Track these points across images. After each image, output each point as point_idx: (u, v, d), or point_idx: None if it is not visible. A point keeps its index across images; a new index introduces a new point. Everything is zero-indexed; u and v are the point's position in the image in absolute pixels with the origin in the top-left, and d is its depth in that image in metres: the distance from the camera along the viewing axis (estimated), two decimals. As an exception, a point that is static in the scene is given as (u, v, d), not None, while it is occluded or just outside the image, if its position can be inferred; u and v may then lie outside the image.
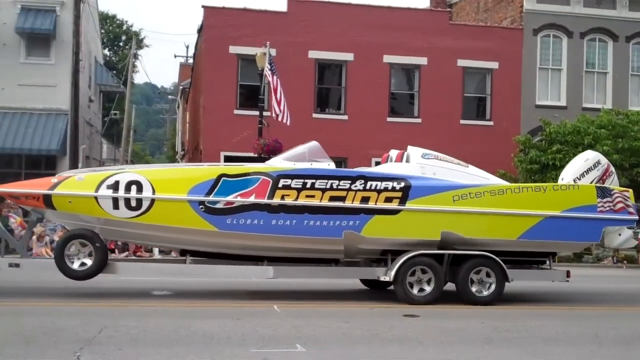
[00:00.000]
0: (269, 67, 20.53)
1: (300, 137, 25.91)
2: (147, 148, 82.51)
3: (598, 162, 13.81)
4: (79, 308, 11.25)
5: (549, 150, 25.01)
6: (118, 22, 61.90)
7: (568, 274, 13.77)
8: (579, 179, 13.59)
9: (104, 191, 11.92)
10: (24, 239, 13.54)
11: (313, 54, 28.07)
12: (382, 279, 12.76)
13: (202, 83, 28.85)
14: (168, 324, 9.98)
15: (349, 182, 12.29)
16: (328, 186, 12.21)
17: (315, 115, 28.03)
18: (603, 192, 13.13)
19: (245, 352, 8.42)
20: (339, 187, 12.24)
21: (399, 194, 12.40)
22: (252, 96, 26.28)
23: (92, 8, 34.97)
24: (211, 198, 11.98)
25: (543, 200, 12.93)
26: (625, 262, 24.67)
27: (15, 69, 27.37)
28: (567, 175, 13.88)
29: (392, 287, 12.90)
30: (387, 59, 28.62)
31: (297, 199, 12.12)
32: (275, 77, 19.64)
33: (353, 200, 12.25)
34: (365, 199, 12.30)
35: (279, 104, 19.24)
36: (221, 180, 12.08)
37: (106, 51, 56.15)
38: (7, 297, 12.14)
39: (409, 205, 12.43)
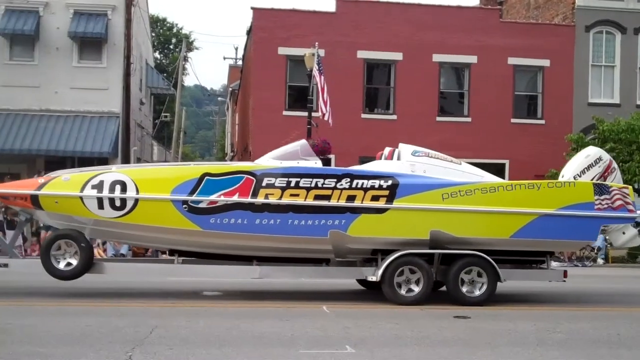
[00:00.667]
0: (316, 67, 20.54)
1: (350, 137, 26.06)
2: (197, 150, 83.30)
3: (599, 159, 13.40)
4: (130, 308, 11.39)
5: (603, 149, 24.52)
6: (168, 25, 62.56)
7: (565, 274, 13.38)
8: (580, 176, 13.20)
9: (89, 191, 11.91)
10: (12, 239, 13.59)
11: (362, 54, 28.01)
12: (369, 279, 12.56)
13: (251, 84, 29.00)
14: (218, 324, 10.05)
15: (335, 180, 12.08)
16: (313, 185, 12.03)
17: (364, 116, 27.97)
18: (601, 189, 12.72)
19: (294, 353, 8.43)
20: (324, 185, 12.06)
21: (386, 192, 12.16)
22: (300, 97, 26.34)
23: (143, 11, 35.41)
24: (194, 197, 11.90)
25: (537, 198, 12.59)
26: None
27: (68, 72, 27.83)
28: (568, 172, 13.52)
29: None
30: (437, 57, 28.42)
31: (281, 197, 11.96)
32: (322, 77, 19.63)
33: (339, 199, 12.06)
34: (351, 198, 12.08)
35: (325, 103, 19.22)
36: (205, 179, 11.98)
37: (157, 54, 56.82)
38: (63, 298, 12.35)
39: (396, 203, 12.18)
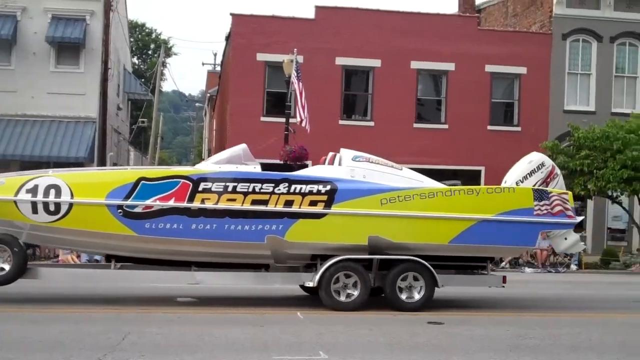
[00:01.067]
0: (295, 73, 20.59)
1: (327, 143, 25.91)
2: (174, 155, 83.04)
3: (542, 164, 13.41)
4: (103, 314, 11.33)
5: (577, 156, 24.76)
6: (147, 30, 62.41)
7: (504, 279, 13.31)
8: (522, 182, 13.17)
9: (23, 195, 11.75)
10: None
11: (340, 61, 28.07)
12: (307, 284, 12.51)
13: (229, 90, 28.98)
14: (191, 330, 10.03)
15: (273, 185, 11.97)
16: (250, 189, 11.91)
17: (341, 122, 28.02)
18: (541, 195, 12.70)
19: (267, 359, 8.43)
20: (262, 190, 11.94)
21: (325, 197, 12.08)
22: (279, 103, 26.35)
23: (122, 17, 35.28)
24: (129, 202, 11.76)
25: (477, 204, 12.52)
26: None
27: (45, 77, 27.65)
28: (511, 177, 13.49)
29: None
30: (415, 64, 28.55)
31: (217, 202, 11.83)
32: (300, 83, 19.68)
33: (276, 204, 11.94)
34: (289, 203, 11.98)
35: (303, 109, 19.27)
36: (140, 183, 11.82)
37: (135, 59, 56.62)
38: (33, 304, 12.26)
39: (334, 209, 12.09)
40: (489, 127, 28.79)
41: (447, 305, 13.42)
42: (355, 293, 12.29)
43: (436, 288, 12.62)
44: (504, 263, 23.30)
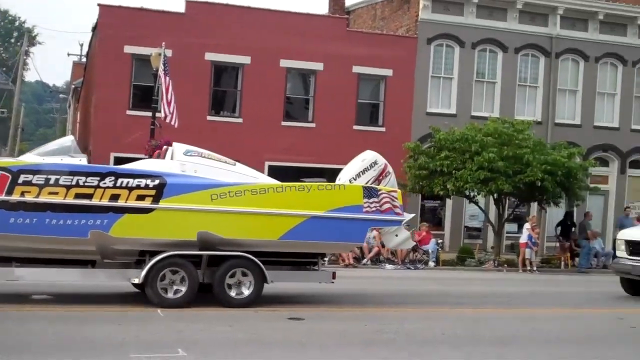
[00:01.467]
0: (162, 67, 20.30)
1: (195, 139, 25.61)
2: (35, 147, 80.00)
3: (375, 162, 13.61)
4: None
5: (438, 157, 25.55)
6: (10, 17, 59.93)
7: (334, 275, 13.44)
8: (355, 179, 13.34)
9: None
10: None
11: (209, 56, 27.88)
12: (133, 281, 12.29)
13: (94, 82, 28.24)
14: (45, 328, 9.77)
15: (98, 178, 11.61)
16: (74, 183, 11.50)
17: (209, 118, 27.85)
18: (370, 193, 12.90)
19: (124, 358, 8.34)
20: (86, 184, 11.55)
21: (153, 192, 11.81)
22: (145, 97, 25.87)
23: (-20, 1, 33.74)
24: None
25: (307, 200, 12.61)
26: (505, 265, 25.50)
27: None
28: (345, 175, 13.67)
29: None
30: (284, 63, 28.73)
31: (38, 195, 11.36)
32: (167, 78, 19.43)
33: (101, 198, 11.58)
34: (115, 197, 11.63)
35: (169, 105, 19.02)
36: None
37: (-4, 47, 54.27)
38: None
39: (162, 203, 11.84)
40: (355, 127, 29.33)
41: (308, 301, 13.69)
42: (183, 289, 12.09)
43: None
44: (365, 260, 23.85)
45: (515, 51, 31.26)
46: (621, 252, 17.00)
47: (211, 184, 12.20)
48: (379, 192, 13.02)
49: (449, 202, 29.74)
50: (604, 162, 32.53)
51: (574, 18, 31.84)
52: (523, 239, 25.27)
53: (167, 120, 19.18)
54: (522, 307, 14.86)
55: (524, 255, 25.01)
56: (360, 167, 13.61)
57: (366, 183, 13.29)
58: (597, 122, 32.27)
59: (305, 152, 27.80)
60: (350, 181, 13.38)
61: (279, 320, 11.35)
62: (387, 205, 13.01)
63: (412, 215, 14.55)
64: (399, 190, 13.57)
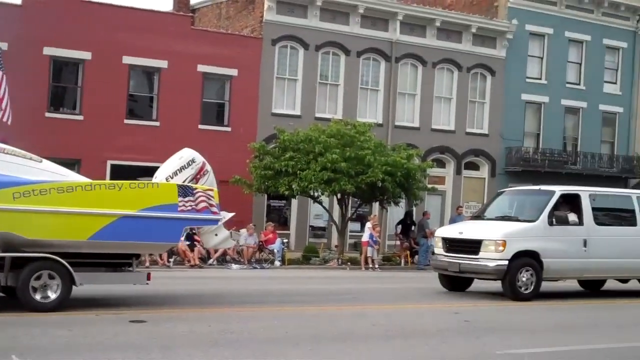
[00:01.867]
0: (-4, 61, 19.41)
1: (32, 136, 24.76)
2: None
3: (192, 160, 13.50)
4: None
5: (283, 157, 25.83)
6: None
7: (149, 276, 13.21)
8: (172, 177, 13.18)
9: None
10: None
11: (48, 51, 26.80)
12: None
13: None
14: None
15: None
16: None
17: (48, 115, 26.77)
18: (185, 191, 12.66)
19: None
20: None
21: None
22: (-22, 92, 24.59)
23: None
24: None
25: (119, 199, 12.25)
26: (349, 263, 26.14)
27: None
28: (161, 173, 13.54)
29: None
30: (127, 59, 28.07)
31: None
32: (1, 73, 18.57)
33: None
34: None
35: (1, 100, 18.18)
36: None
37: None
38: None
39: None
40: (200, 127, 29.11)
41: (151, 303, 13.48)
42: None
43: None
44: (211, 260, 23.76)
45: (357, 55, 32.06)
46: (439, 249, 17.47)
47: (13, 181, 11.59)
48: (195, 191, 12.80)
49: (294, 202, 30.10)
50: (441, 164, 33.95)
51: (412, 24, 33.03)
52: (365, 237, 25.96)
53: (-1, 116, 18.34)
54: (364, 303, 15.28)
55: (366, 253, 25.70)
56: (177, 165, 13.44)
57: (183, 182, 13.07)
58: (435, 125, 33.65)
59: (150, 152, 27.24)
60: (166, 179, 13.14)
61: (120, 323, 11.11)
62: (203, 204, 12.80)
63: (232, 214, 14.43)
64: (215, 189, 13.34)
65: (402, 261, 28.07)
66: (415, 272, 25.93)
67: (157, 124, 28.58)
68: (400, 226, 29.65)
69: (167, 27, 28.83)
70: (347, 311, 13.93)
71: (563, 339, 11.50)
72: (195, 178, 13.36)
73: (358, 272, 24.54)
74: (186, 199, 12.61)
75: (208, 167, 13.78)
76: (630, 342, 11.27)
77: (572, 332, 12.32)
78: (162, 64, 28.62)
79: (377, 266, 25.75)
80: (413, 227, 29.30)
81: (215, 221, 13.34)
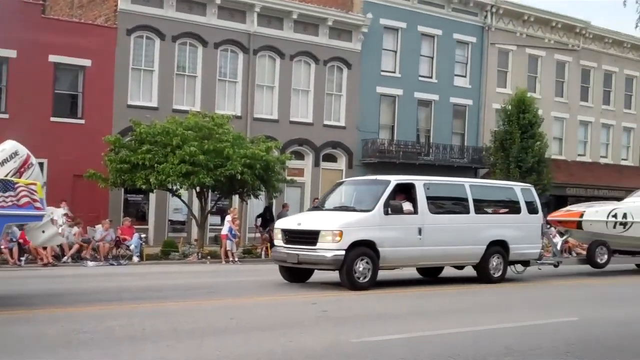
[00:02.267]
0: None
1: None
2: None
3: (16, 153, 12.86)
4: None
5: (139, 151, 25.29)
6: None
7: None
8: None
9: None
10: None
11: None
12: None
13: None
14: None
15: None
16: None
17: None
18: (5, 186, 12.04)
19: None
20: None
21: None
22: None
23: None
24: None
25: None
26: (209, 257, 26.01)
27: None
28: None
29: None
30: (-29, 49, 26.78)
31: None
32: None
33: None
34: None
35: None
36: None
37: None
38: None
39: None
40: (52, 119, 28.14)
41: None
42: None
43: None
44: (65, 258, 23.03)
45: (215, 46, 31.90)
46: (278, 241, 17.52)
47: None
48: (16, 185, 12.20)
49: (152, 196, 29.63)
50: (300, 156, 34.36)
51: (270, 16, 33.21)
52: (224, 231, 25.92)
53: None
54: (223, 297, 15.22)
55: (225, 246, 25.65)
56: (0, 157, 12.75)
57: (6, 175, 12.44)
58: (293, 118, 34.00)
59: (-3, 145, 26.10)
60: None
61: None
62: (25, 200, 12.22)
63: (62, 210, 13.91)
64: (39, 183, 12.77)
65: (263, 253, 28.18)
66: (275, 264, 26.02)
67: (6, 116, 27.40)
68: (260, 219, 29.83)
69: (15, 15, 27.68)
70: (206, 306, 13.84)
71: (418, 324, 11.89)
72: (19, 171, 12.68)
73: (218, 266, 24.48)
74: (7, 194, 11.97)
75: (33, 159, 13.11)
76: (477, 325, 11.79)
77: (423, 318, 12.77)
78: (11, 53, 27.52)
79: (237, 259, 25.76)
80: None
81: (39, 217, 12.68)
